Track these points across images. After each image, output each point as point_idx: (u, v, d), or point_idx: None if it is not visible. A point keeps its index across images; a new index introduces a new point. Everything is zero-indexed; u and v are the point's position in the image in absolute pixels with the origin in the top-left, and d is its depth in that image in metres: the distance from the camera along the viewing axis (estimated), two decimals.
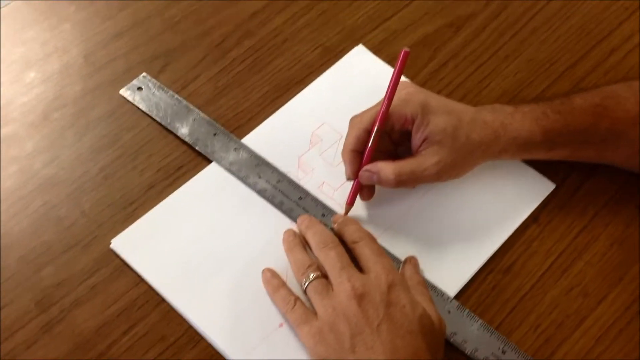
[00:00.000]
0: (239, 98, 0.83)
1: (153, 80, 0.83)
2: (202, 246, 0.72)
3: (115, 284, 0.71)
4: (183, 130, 0.79)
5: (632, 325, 0.70)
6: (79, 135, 0.79)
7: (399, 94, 0.71)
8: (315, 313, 0.66)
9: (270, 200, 0.75)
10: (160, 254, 0.72)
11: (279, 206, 0.75)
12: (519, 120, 0.73)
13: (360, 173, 0.72)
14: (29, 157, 0.78)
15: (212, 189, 0.76)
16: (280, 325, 0.68)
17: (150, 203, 0.75)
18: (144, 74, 0.83)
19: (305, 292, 0.67)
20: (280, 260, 0.71)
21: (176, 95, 0.81)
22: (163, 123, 0.79)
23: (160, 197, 0.75)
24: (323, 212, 0.75)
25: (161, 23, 0.88)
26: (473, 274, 0.72)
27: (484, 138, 0.72)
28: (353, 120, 0.73)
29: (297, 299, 0.68)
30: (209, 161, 0.78)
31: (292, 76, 0.85)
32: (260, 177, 0.76)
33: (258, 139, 0.79)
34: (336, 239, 0.70)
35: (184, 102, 0.81)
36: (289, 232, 0.72)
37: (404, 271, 0.71)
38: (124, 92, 0.82)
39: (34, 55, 0.85)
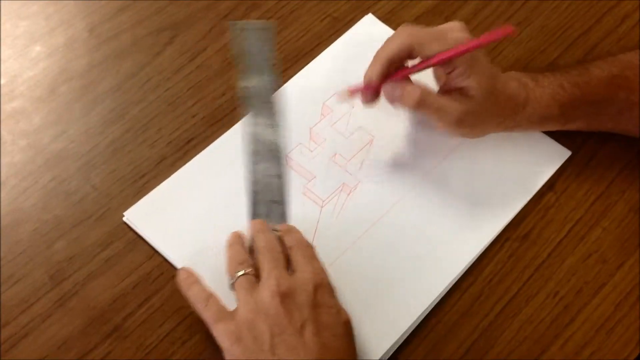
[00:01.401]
0: None
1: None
2: (215, 217, 0.72)
3: (128, 257, 0.70)
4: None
5: None
6: (87, 109, 0.78)
7: (453, 35, 0.67)
8: (233, 312, 0.62)
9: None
10: (174, 226, 0.71)
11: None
12: (538, 97, 0.72)
13: (386, 84, 0.69)
14: (37, 132, 0.77)
15: (224, 160, 0.75)
16: None
17: (161, 176, 0.74)
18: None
19: (233, 287, 0.64)
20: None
21: None
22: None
23: (171, 170, 0.74)
24: None
25: None
26: (489, 243, 0.72)
27: (503, 111, 0.71)
28: (401, 31, 0.69)
29: (211, 295, 0.64)
30: (221, 133, 0.77)
31: (301, 47, 0.84)
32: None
33: None
34: (280, 246, 0.66)
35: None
36: (234, 233, 0.69)
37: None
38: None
39: (39, 29, 0.84)
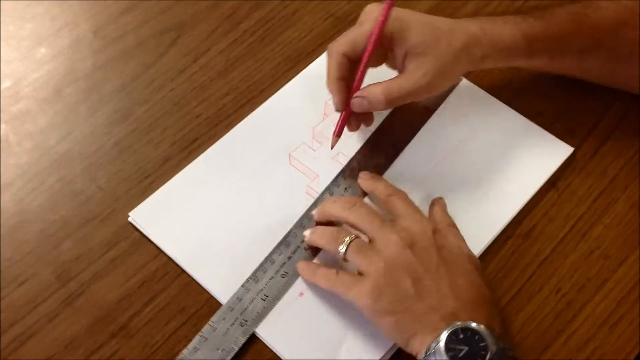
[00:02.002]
0: (251, 70, 0.82)
1: None
2: (220, 216, 0.72)
3: (134, 257, 0.70)
4: None
5: None
6: (92, 110, 0.79)
7: (373, 14, 0.70)
8: (363, 276, 0.64)
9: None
10: (179, 226, 0.72)
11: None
12: (500, 24, 0.73)
13: (352, 101, 0.71)
14: (43, 133, 0.77)
15: (229, 159, 0.76)
16: (301, 294, 0.68)
17: (167, 176, 0.75)
18: None
19: (345, 258, 0.66)
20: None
21: None
22: None
23: (176, 169, 0.75)
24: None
25: None
26: (492, 240, 0.72)
27: (465, 42, 0.71)
28: (331, 47, 0.72)
29: (339, 269, 0.66)
30: (224, 132, 0.77)
31: (304, 47, 0.84)
32: None
33: (271, 112, 0.79)
34: (360, 198, 0.69)
35: None
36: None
37: (433, 214, 0.71)
38: None
39: (44, 30, 0.84)
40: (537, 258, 0.72)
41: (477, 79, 0.81)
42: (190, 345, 0.65)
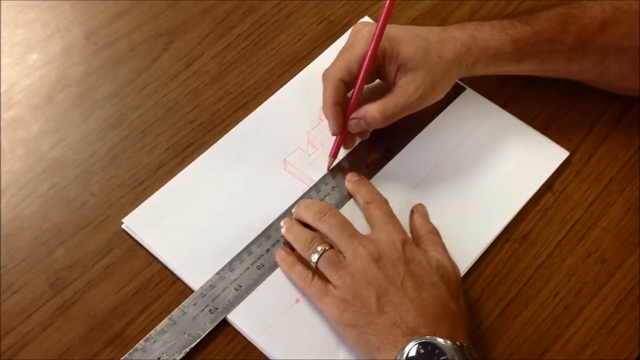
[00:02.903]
0: (245, 74, 0.82)
1: None
2: (215, 222, 0.72)
3: (128, 264, 0.70)
4: None
5: None
6: (85, 116, 0.78)
7: (362, 35, 0.72)
8: (334, 286, 0.65)
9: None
10: (174, 232, 0.71)
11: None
12: (488, 30, 0.73)
13: (349, 122, 0.72)
14: (35, 140, 0.77)
15: (222, 165, 0.75)
16: (297, 300, 0.68)
17: (160, 182, 0.74)
18: None
19: (316, 267, 0.67)
20: None
21: None
22: None
23: (169, 175, 0.75)
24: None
25: (163, 1, 0.87)
26: (489, 244, 0.72)
27: (456, 52, 0.72)
28: (326, 73, 0.73)
29: (314, 272, 0.67)
30: (218, 138, 0.77)
31: (298, 51, 0.84)
32: None
33: (265, 116, 0.79)
34: (333, 206, 0.69)
35: None
36: (285, 220, 0.71)
37: (413, 221, 0.71)
38: None
39: (36, 36, 0.84)
40: (534, 262, 0.72)
41: (472, 83, 0.80)
42: (159, 327, 0.66)
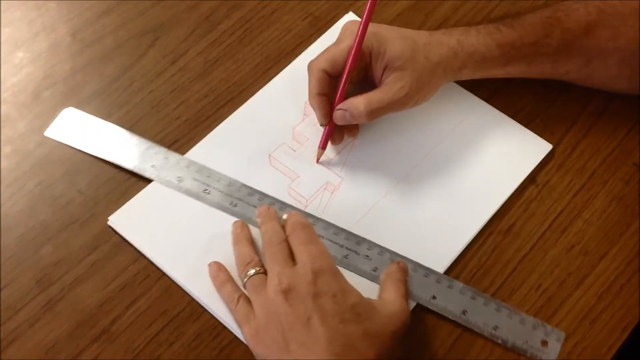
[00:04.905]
0: (230, 71, 0.82)
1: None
2: (200, 219, 0.72)
3: (114, 261, 0.70)
4: None
5: (633, 280, 0.71)
6: None
7: (351, 31, 0.73)
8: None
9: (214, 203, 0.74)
10: (159, 229, 0.72)
11: (227, 208, 0.74)
12: (474, 35, 0.74)
13: (335, 113, 0.73)
14: (22, 138, 0.77)
15: (209, 161, 0.75)
16: None
17: (146, 179, 0.74)
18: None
19: (244, 287, 0.66)
20: None
21: None
22: None
23: None
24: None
25: None
26: (473, 237, 0.73)
27: (442, 56, 0.73)
28: (311, 64, 0.74)
29: (241, 295, 0.66)
30: (203, 135, 0.77)
31: (283, 47, 0.84)
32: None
33: (251, 112, 0.79)
34: (282, 234, 0.67)
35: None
36: (237, 224, 0.71)
37: (389, 267, 0.69)
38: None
39: (21, 35, 0.84)
40: (517, 254, 0.72)
41: None
42: None
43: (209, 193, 0.73)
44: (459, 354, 0.67)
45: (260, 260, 0.67)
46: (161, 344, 0.67)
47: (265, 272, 0.66)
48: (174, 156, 0.75)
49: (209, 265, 0.69)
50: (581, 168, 0.76)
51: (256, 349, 0.63)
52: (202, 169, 0.74)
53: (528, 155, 0.77)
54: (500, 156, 0.77)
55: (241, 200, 0.73)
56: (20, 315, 0.67)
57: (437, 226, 0.73)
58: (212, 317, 0.68)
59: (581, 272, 0.71)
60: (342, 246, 0.71)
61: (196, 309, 0.68)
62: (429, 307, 0.68)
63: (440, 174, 0.76)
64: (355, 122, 0.73)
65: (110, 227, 0.72)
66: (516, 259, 0.72)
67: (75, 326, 0.67)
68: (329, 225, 0.72)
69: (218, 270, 0.69)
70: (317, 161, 0.76)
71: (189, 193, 0.73)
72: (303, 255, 0.64)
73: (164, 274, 0.70)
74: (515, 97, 0.80)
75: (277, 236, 0.67)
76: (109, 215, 0.72)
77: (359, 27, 0.71)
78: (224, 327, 0.67)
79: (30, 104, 0.79)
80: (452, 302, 0.69)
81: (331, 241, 0.71)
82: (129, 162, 0.74)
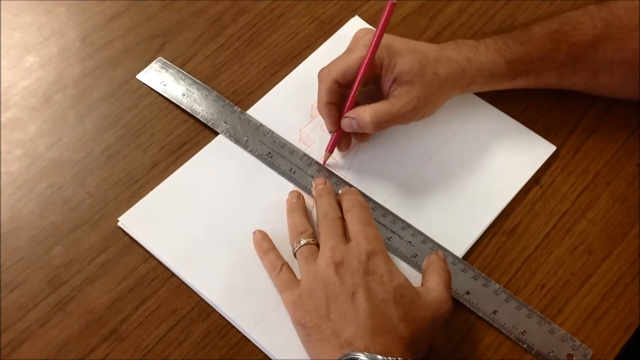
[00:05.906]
0: (237, 74, 0.83)
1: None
2: (208, 219, 0.73)
3: (124, 261, 0.71)
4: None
5: (637, 280, 0.71)
6: (81, 116, 0.80)
7: (363, 41, 0.73)
8: (299, 280, 0.67)
9: (276, 167, 0.76)
10: (168, 229, 0.72)
11: (286, 173, 0.76)
12: (483, 52, 0.75)
13: (342, 120, 0.74)
14: (32, 141, 0.78)
15: (216, 163, 0.76)
16: None
17: (155, 181, 0.75)
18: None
19: (295, 256, 0.69)
20: (285, 229, 0.72)
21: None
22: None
23: (164, 174, 0.76)
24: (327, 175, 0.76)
25: (157, 3, 0.88)
26: (477, 237, 0.73)
27: (451, 72, 0.73)
28: (321, 73, 0.74)
29: (284, 264, 0.69)
30: (212, 137, 0.78)
31: (290, 50, 0.85)
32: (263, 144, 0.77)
33: (258, 114, 0.80)
34: (338, 210, 0.70)
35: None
36: (293, 194, 0.73)
37: (430, 256, 0.70)
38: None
39: (32, 39, 0.85)
40: (522, 254, 0.73)
41: None
42: None
43: None
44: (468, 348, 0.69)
45: (313, 232, 0.70)
46: (170, 344, 0.68)
47: (316, 244, 0.68)
48: None
49: (254, 233, 0.71)
50: (585, 169, 0.77)
51: (295, 313, 0.65)
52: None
53: (532, 157, 0.78)
54: (505, 157, 0.77)
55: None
56: (31, 315, 0.68)
57: (442, 227, 0.73)
58: (220, 316, 0.69)
59: (585, 272, 0.72)
60: (387, 228, 0.73)
61: (205, 309, 0.69)
62: (462, 301, 0.69)
63: (445, 175, 0.76)
64: (361, 132, 0.74)
65: (119, 228, 0.73)
66: (521, 259, 0.73)
67: (86, 326, 0.68)
68: (377, 205, 0.74)
69: (262, 239, 0.71)
70: (324, 163, 0.76)
71: None
72: (359, 235, 0.67)
73: (172, 275, 0.71)
74: (520, 99, 0.81)
75: (334, 211, 0.70)
76: (119, 216, 0.73)
77: (372, 40, 0.71)
78: (232, 327, 0.68)
79: (41, 107, 0.80)
80: (486, 300, 0.70)
81: (378, 222, 0.73)
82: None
